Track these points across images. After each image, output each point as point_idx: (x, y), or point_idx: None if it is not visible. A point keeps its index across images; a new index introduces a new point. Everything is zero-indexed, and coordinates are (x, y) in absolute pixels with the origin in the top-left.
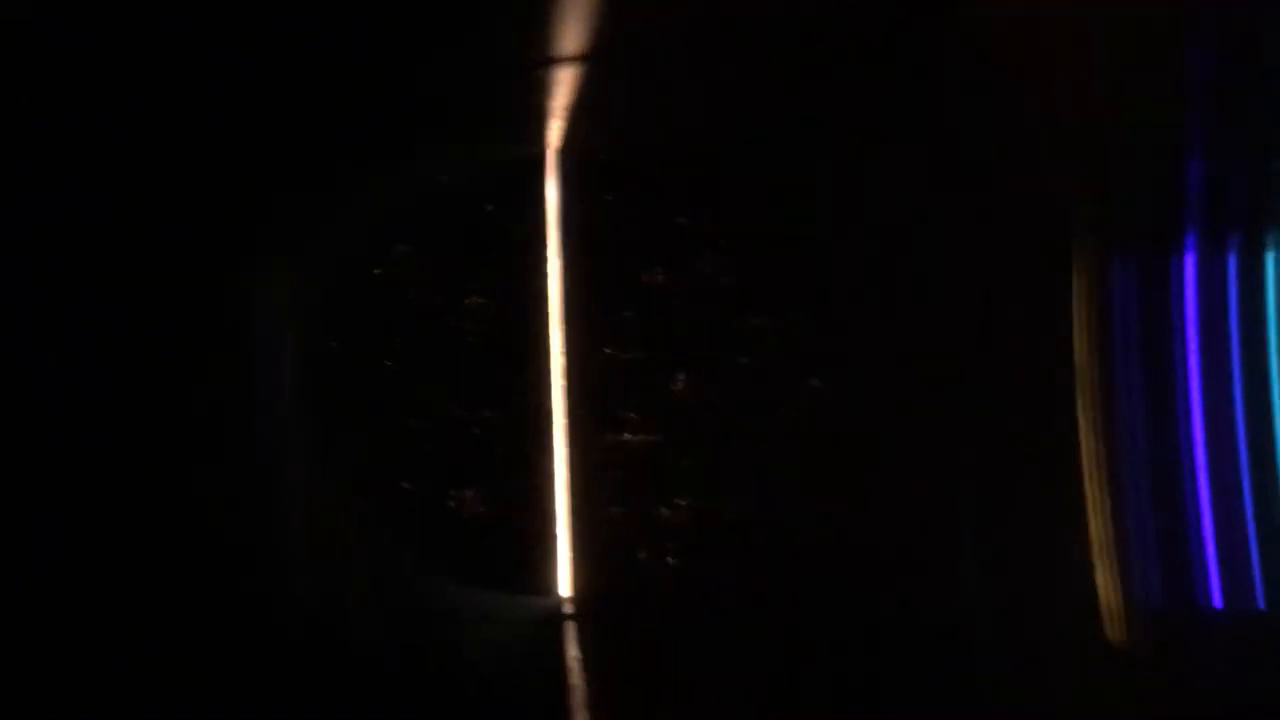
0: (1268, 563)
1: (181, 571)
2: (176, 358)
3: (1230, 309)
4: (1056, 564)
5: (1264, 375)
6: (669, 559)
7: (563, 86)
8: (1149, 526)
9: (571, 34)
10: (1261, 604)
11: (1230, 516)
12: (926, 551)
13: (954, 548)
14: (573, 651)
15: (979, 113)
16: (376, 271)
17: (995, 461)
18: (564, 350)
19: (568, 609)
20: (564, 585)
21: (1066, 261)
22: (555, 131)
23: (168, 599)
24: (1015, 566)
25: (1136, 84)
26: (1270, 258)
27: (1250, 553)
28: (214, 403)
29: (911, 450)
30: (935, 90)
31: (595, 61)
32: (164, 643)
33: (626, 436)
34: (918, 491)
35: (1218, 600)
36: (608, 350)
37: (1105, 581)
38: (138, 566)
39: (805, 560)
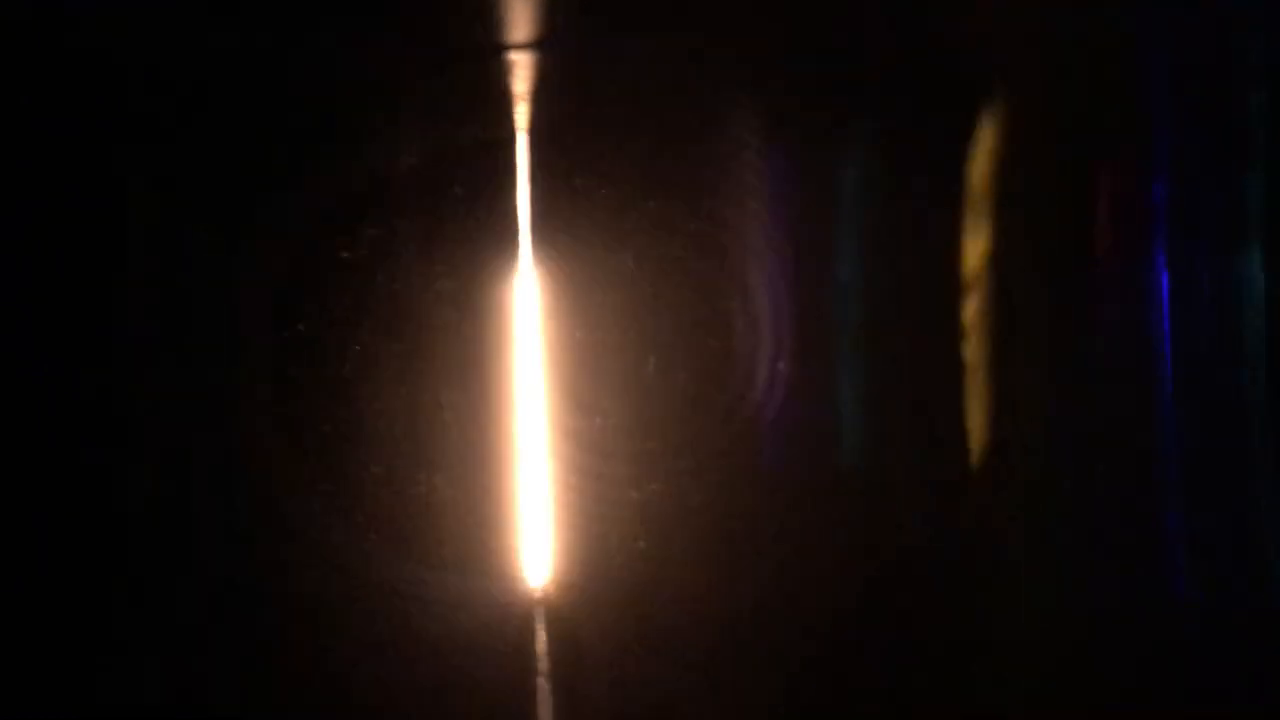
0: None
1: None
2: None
3: (1209, 322)
4: (1034, 564)
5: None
6: (639, 543)
7: (530, 69)
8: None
9: (536, 18)
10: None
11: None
12: (899, 540)
13: (928, 535)
14: (541, 637)
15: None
16: (345, 255)
17: (968, 455)
18: (533, 333)
19: (537, 595)
20: (533, 571)
21: (1041, 282)
22: (523, 113)
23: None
24: (991, 562)
25: (1102, 97)
26: (1243, 272)
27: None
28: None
29: (882, 439)
30: (904, 87)
31: (560, 46)
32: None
33: (596, 420)
34: (888, 480)
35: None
36: (577, 334)
37: (1087, 583)
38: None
39: (776, 546)
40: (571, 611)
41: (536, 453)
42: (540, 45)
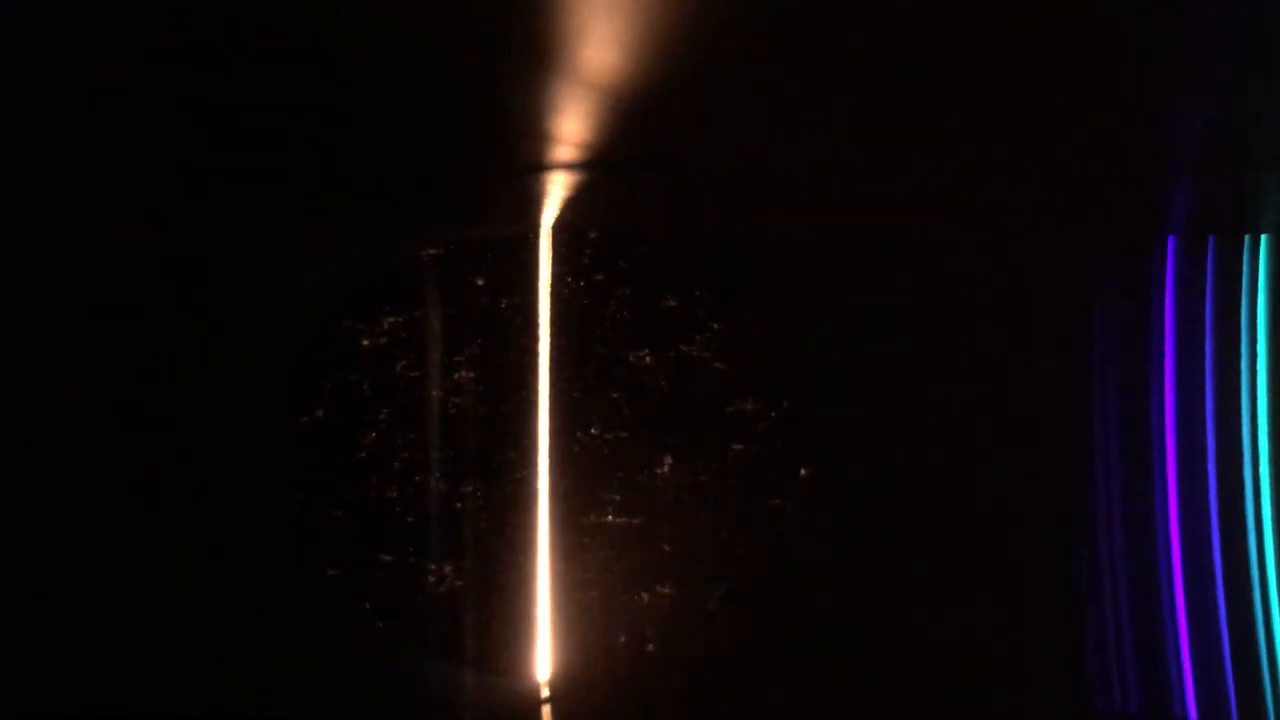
0: (1240, 674)
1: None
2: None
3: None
4: (1034, 660)
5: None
6: (649, 645)
7: (558, 175)
8: (1126, 637)
9: (570, 141)
10: (1235, 717)
11: (1205, 630)
12: (908, 642)
13: (937, 639)
14: None
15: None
16: (364, 342)
17: (980, 556)
18: (549, 428)
19: (544, 691)
20: (541, 666)
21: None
22: (549, 209)
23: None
24: (995, 662)
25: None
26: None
27: (1224, 664)
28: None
29: (899, 543)
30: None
31: (593, 168)
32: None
33: (609, 518)
34: (903, 585)
35: (1192, 712)
36: (593, 430)
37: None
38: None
39: (788, 650)
40: (578, 709)
41: (549, 548)
42: (572, 169)
